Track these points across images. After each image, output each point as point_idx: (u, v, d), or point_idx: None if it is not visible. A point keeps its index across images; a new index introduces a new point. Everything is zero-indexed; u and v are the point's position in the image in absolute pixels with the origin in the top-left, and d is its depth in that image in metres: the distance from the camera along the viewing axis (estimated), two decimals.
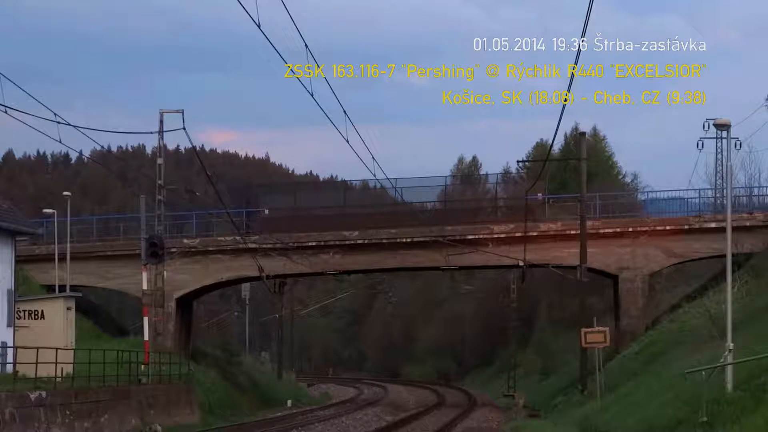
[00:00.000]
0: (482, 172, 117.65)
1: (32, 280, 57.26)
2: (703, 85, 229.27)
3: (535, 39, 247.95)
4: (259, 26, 21.44)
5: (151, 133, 45.93)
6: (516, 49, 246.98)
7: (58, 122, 31.37)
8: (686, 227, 57.79)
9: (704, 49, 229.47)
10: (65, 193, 60.49)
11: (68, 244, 56.64)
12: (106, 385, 38.36)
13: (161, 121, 45.69)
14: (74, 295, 45.18)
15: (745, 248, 50.88)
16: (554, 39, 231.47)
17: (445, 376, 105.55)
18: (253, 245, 57.49)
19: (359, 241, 60.29)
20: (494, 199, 68.10)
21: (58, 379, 34.56)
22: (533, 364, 79.55)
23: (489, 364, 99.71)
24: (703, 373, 27.06)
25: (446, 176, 69.63)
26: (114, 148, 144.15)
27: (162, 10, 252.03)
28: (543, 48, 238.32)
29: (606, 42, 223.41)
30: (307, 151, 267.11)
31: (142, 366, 44.07)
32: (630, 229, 58.26)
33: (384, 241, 60.17)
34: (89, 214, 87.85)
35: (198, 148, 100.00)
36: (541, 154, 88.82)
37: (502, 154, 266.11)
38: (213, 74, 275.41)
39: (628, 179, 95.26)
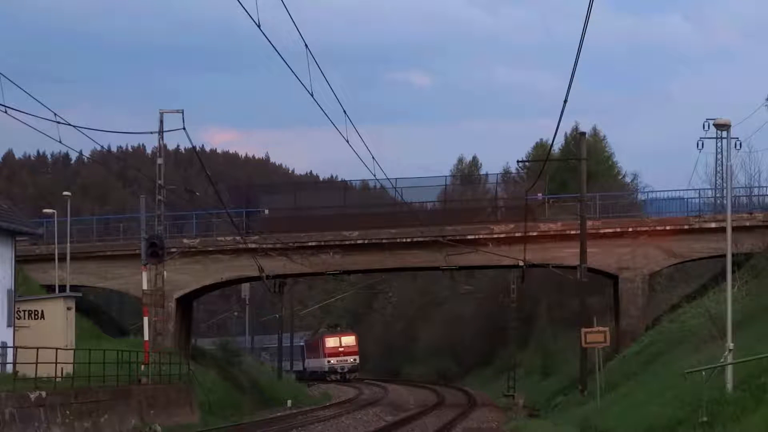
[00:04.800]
0: (482, 172, 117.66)
1: (32, 280, 57.21)
2: (703, 85, 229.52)
3: (536, 38, 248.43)
4: (259, 26, 21.46)
5: (151, 133, 45.96)
6: (517, 48, 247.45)
7: (58, 122, 31.40)
8: (686, 227, 57.80)
9: (704, 49, 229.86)
10: (65, 193, 60.48)
11: (68, 244, 56.63)
12: (106, 385, 38.34)
13: (161, 121, 45.69)
14: (74, 295, 45.16)
15: (745, 248, 50.91)
16: (555, 39, 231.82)
17: (445, 376, 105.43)
18: (253, 245, 57.49)
19: (359, 241, 60.30)
20: (494, 199, 68.09)
21: (58, 379, 34.54)
22: (533, 364, 79.50)
23: (489, 364, 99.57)
24: (703, 373, 27.08)
25: (446, 176, 69.80)
26: (114, 148, 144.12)
27: (162, 10, 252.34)
28: (543, 48, 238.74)
29: (606, 42, 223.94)
30: (307, 151, 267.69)
31: (142, 366, 44.03)
32: (630, 229, 58.27)
33: (384, 241, 60.17)
34: (89, 214, 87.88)
35: (198, 148, 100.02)
36: (541, 154, 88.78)
37: (502, 154, 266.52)
38: (213, 74, 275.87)
39: (628, 179, 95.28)
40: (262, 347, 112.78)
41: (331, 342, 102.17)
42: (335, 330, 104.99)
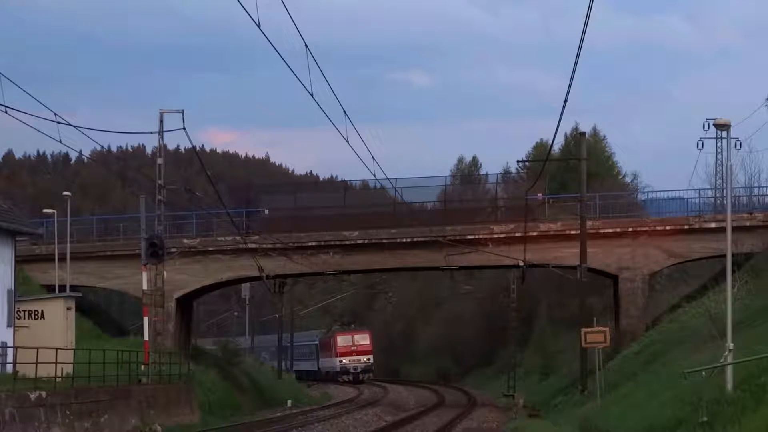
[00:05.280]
0: (482, 172, 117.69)
1: (32, 280, 57.25)
2: (703, 85, 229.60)
3: (535, 38, 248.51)
4: (259, 26, 21.46)
5: (151, 133, 45.97)
6: (517, 48, 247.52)
7: (58, 122, 31.42)
8: (686, 227, 57.81)
9: (704, 49, 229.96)
10: (65, 193, 60.47)
11: (68, 244, 56.63)
12: (106, 385, 38.34)
13: (161, 121, 45.69)
14: (74, 295, 45.17)
15: (745, 248, 50.91)
16: (555, 39, 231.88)
17: (445, 376, 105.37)
18: (253, 245, 57.48)
19: (359, 241, 60.30)
20: (494, 199, 68.08)
21: (58, 379, 34.54)
22: (533, 364, 79.50)
23: (489, 364, 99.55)
24: (703, 373, 27.08)
25: (446, 176, 69.86)
26: (114, 148, 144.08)
27: (162, 10, 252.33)
28: (543, 48, 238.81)
29: (606, 42, 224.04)
30: (307, 151, 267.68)
31: (142, 366, 44.05)
32: (630, 229, 58.28)
33: (384, 241, 60.18)
34: (89, 214, 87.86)
35: (198, 148, 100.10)
36: (541, 154, 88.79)
37: (502, 154, 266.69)
38: (213, 74, 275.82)
39: (628, 179, 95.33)
40: (263, 347, 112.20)
41: (343, 340, 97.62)
42: (349, 327, 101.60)
